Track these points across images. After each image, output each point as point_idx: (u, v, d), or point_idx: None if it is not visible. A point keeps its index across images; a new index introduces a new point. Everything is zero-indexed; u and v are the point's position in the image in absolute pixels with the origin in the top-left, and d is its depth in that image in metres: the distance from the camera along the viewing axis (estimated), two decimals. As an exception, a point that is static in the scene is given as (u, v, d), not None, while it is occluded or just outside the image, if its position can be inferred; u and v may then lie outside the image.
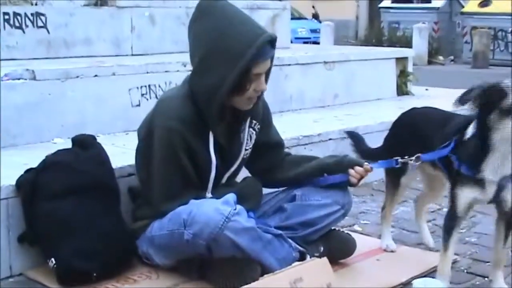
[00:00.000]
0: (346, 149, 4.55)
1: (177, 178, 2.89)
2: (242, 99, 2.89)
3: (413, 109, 3.36)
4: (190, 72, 2.96)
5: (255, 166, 3.19)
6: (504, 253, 2.98)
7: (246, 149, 3.08)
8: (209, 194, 2.96)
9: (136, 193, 3.13)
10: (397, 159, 3.04)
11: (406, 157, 3.00)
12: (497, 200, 2.81)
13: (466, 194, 2.81)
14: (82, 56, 4.81)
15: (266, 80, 2.97)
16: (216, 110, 2.84)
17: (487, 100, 2.67)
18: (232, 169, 3.06)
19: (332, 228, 3.20)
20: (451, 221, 2.88)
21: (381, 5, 20.64)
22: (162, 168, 2.88)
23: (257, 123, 3.12)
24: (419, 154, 2.96)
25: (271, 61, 2.94)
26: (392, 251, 3.36)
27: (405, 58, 6.53)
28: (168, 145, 2.85)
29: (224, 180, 3.06)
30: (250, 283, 2.59)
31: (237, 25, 2.81)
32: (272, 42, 2.87)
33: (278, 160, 3.22)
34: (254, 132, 3.12)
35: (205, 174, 2.94)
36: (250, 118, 3.06)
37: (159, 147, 2.87)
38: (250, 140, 3.10)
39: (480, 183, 2.76)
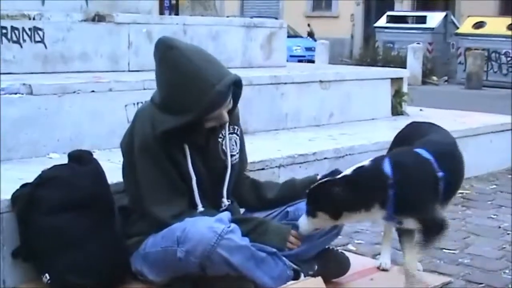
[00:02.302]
0: (341, 169, 4.58)
1: (163, 182, 2.91)
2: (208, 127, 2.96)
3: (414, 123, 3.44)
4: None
5: None
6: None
7: (232, 155, 3.10)
8: (200, 206, 2.96)
9: (127, 212, 3.12)
10: None
11: None
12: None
13: None
14: (79, 71, 4.81)
15: (236, 104, 3.03)
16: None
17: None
18: (226, 179, 3.07)
19: (326, 246, 3.21)
20: None
21: (376, 24, 20.78)
22: (146, 173, 2.91)
23: (237, 128, 3.15)
24: None
25: (240, 91, 3.01)
26: (384, 270, 3.37)
27: (400, 79, 6.55)
28: (147, 151, 2.88)
29: (224, 193, 3.07)
30: (244, 301, 2.59)
31: (186, 81, 2.82)
32: (236, 82, 2.93)
33: (240, 178, 3.24)
34: (238, 137, 3.15)
35: (189, 184, 2.96)
36: (228, 125, 3.08)
37: (139, 154, 2.90)
38: (236, 145, 3.13)
39: None
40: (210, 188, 3.02)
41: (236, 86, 2.97)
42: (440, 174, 2.83)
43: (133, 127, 2.98)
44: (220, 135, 3.07)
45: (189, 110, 2.83)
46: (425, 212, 2.82)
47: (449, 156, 2.98)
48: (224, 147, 3.07)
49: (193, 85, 2.81)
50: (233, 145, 3.11)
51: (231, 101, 2.96)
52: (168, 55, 2.86)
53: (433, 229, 2.85)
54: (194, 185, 2.96)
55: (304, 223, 2.95)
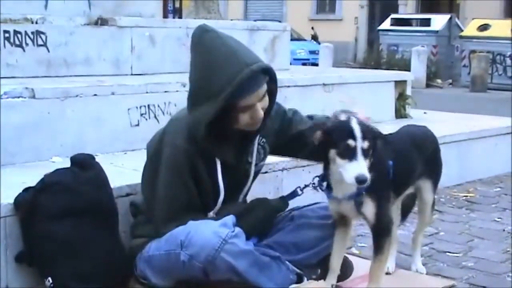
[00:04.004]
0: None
1: (181, 199, 2.89)
2: (242, 126, 2.89)
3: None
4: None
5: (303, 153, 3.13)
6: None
7: (256, 164, 3.07)
8: (211, 213, 2.95)
9: (138, 209, 3.11)
10: (300, 187, 3.12)
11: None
12: (361, 214, 2.94)
13: (331, 207, 3.01)
14: (82, 75, 4.80)
15: (273, 102, 2.96)
16: (201, 142, 2.83)
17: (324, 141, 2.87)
18: (245, 189, 3.08)
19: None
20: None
21: (380, 27, 20.79)
22: (167, 187, 2.88)
23: (265, 141, 3.11)
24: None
25: (275, 86, 2.94)
26: (388, 273, 3.35)
27: (404, 82, 6.54)
28: (174, 165, 2.86)
29: (240, 200, 3.08)
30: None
31: (221, 61, 2.78)
32: (266, 70, 2.86)
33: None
34: (263, 151, 3.12)
35: (211, 199, 2.94)
36: (258, 136, 3.05)
37: (165, 166, 2.88)
38: (260, 154, 3.10)
39: (335, 200, 2.95)
40: (226, 196, 2.99)
41: (271, 80, 2.90)
42: (389, 162, 3.00)
43: (164, 134, 2.93)
44: (251, 146, 3.04)
45: (222, 90, 2.74)
46: (383, 199, 2.95)
47: (400, 150, 3.15)
48: (250, 159, 3.04)
49: (227, 64, 2.76)
50: (257, 157, 3.06)
51: (266, 95, 2.88)
52: (204, 37, 2.83)
53: (383, 226, 2.94)
54: (220, 200, 2.94)
55: (366, 167, 2.74)
